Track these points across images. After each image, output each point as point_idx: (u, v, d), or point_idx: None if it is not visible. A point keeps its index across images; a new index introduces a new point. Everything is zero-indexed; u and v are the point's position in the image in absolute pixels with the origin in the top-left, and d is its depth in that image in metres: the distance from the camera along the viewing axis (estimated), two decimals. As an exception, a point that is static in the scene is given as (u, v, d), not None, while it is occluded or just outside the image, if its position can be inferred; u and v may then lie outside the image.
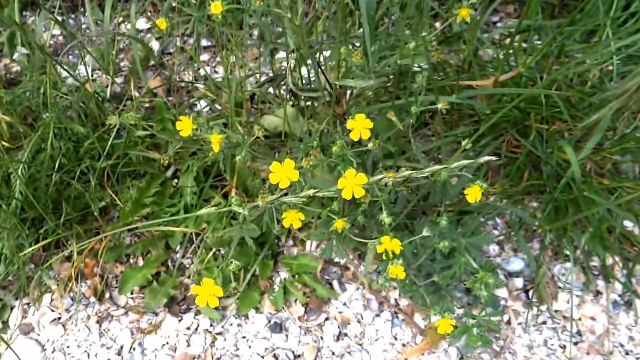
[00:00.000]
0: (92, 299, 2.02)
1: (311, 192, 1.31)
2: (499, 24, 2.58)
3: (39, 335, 1.97)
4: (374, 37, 1.52)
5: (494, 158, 1.31)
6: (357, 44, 1.76)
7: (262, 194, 1.33)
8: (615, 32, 2.08)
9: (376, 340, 1.92)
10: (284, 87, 1.98)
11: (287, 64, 1.74)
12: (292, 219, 1.40)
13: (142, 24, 2.73)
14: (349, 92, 1.82)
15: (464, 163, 1.30)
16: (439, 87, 1.90)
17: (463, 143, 1.46)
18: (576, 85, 2.08)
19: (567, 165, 1.96)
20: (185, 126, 1.40)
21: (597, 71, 2.05)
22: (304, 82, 1.90)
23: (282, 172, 1.28)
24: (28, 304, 2.02)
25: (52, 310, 2.01)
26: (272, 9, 1.40)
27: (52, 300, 2.03)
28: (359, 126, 1.37)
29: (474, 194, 1.40)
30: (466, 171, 1.36)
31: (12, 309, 2.01)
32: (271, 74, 1.93)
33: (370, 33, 1.46)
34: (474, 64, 2.06)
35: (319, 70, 1.68)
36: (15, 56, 2.49)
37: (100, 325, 1.98)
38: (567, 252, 2.00)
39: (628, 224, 2.06)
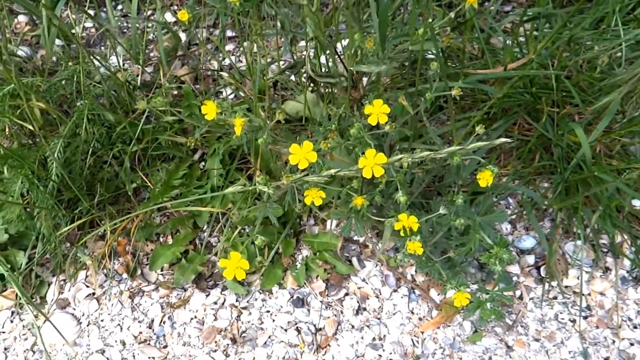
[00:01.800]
0: (125, 276, 2.04)
1: (333, 171, 1.31)
2: (511, 13, 2.54)
3: (74, 309, 1.99)
4: (387, 26, 1.52)
5: (508, 140, 1.29)
6: (373, 32, 1.76)
7: (285, 174, 1.33)
8: (623, 19, 2.04)
9: (394, 314, 1.92)
10: (304, 74, 1.98)
11: (307, 51, 1.74)
12: (314, 196, 1.41)
13: (169, 17, 2.73)
14: (365, 78, 1.81)
15: (479, 145, 1.29)
16: (454, 73, 1.89)
17: (477, 128, 1.45)
18: (586, 71, 2.05)
19: (577, 147, 1.94)
20: (209, 110, 1.41)
21: (606, 57, 2.02)
22: (322, 69, 1.89)
23: (301, 153, 1.29)
24: (64, 280, 2.04)
25: (87, 286, 2.03)
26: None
27: (86, 276, 2.05)
28: (377, 111, 1.37)
29: (485, 178, 1.40)
30: (480, 153, 1.35)
31: (49, 285, 2.03)
32: (292, 62, 1.93)
33: (383, 20, 1.46)
34: (486, 52, 2.05)
35: (337, 57, 1.67)
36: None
37: (132, 300, 1.99)
38: (577, 230, 1.98)
39: (636, 202, 2.04)
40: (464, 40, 1.77)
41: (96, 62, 2.11)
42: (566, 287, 1.95)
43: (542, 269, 1.98)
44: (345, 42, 1.78)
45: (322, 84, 1.92)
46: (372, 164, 1.26)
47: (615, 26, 2.01)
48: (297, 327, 1.91)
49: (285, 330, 1.90)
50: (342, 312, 1.93)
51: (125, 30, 2.69)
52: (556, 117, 2.01)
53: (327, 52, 1.72)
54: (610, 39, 1.99)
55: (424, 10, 1.51)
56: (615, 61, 2.04)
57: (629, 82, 1.83)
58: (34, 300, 2.00)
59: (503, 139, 1.28)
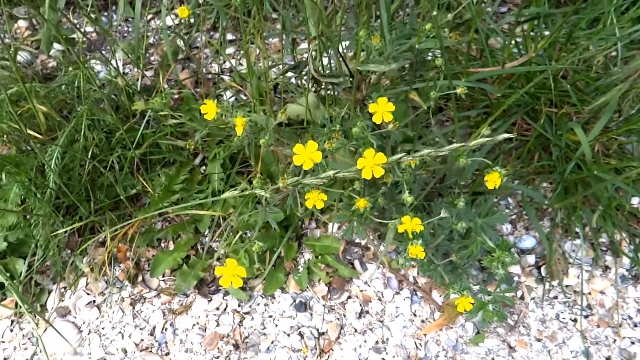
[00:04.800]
0: (126, 282, 1.92)
1: (332, 172, 1.21)
2: (507, 15, 2.46)
3: (75, 317, 1.87)
4: (390, 24, 1.43)
5: (511, 135, 1.21)
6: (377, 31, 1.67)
7: (282, 177, 1.22)
8: (618, 19, 1.97)
9: (396, 317, 1.83)
10: (305, 77, 1.89)
11: (309, 51, 1.64)
12: (315, 199, 1.30)
13: (170, 21, 2.61)
14: (367, 79, 1.72)
15: (482, 141, 1.20)
16: (453, 74, 1.81)
17: (481, 128, 1.35)
18: (582, 70, 1.98)
19: (575, 146, 1.87)
20: (209, 110, 1.30)
21: (601, 57, 1.95)
22: (325, 70, 1.79)
23: (306, 153, 1.18)
24: (65, 288, 1.92)
25: (88, 294, 1.91)
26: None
27: (87, 284, 1.93)
28: (381, 110, 1.26)
29: (493, 180, 1.30)
30: (481, 153, 1.26)
31: (49, 293, 1.91)
32: (293, 64, 1.83)
33: (387, 18, 1.37)
34: (486, 52, 1.96)
35: (339, 56, 1.57)
36: (51, 52, 2.40)
37: (134, 307, 1.88)
38: (577, 230, 1.91)
39: (634, 200, 1.97)
40: (469, 40, 1.68)
41: (97, 67, 2.01)
42: (567, 286, 1.87)
43: (542, 268, 1.91)
44: (347, 43, 1.68)
45: (324, 86, 1.81)
46: (371, 164, 1.16)
47: (610, 25, 1.94)
48: (299, 331, 1.80)
49: (288, 335, 1.80)
50: (344, 316, 1.83)
51: (125, 35, 2.57)
52: (554, 117, 1.93)
53: (330, 51, 1.62)
54: (605, 38, 1.91)
55: (429, 7, 1.40)
56: (611, 61, 1.97)
57: (626, 80, 1.74)
58: (34, 308, 1.88)
59: (505, 135, 1.20)
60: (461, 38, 1.97)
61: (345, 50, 1.71)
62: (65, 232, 1.83)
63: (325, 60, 1.79)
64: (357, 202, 1.33)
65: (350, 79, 1.61)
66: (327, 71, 1.76)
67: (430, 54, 1.70)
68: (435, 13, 1.31)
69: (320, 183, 1.23)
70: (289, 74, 1.84)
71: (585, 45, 1.94)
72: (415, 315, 1.83)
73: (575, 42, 1.97)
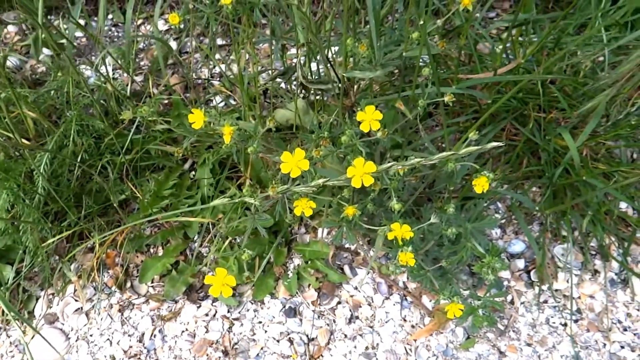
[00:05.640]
0: (114, 289, 1.88)
1: (321, 181, 1.19)
2: (495, 20, 2.44)
3: (63, 324, 1.84)
4: (379, 31, 1.41)
5: (499, 144, 1.19)
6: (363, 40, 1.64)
7: (272, 185, 1.20)
8: (605, 24, 1.95)
9: (386, 322, 1.80)
10: (294, 82, 1.86)
11: (298, 57, 1.61)
12: (304, 207, 1.28)
13: (160, 25, 2.57)
14: (356, 85, 1.70)
15: (472, 149, 1.18)
16: (442, 79, 1.78)
17: (469, 133, 1.33)
18: (570, 75, 1.96)
19: (563, 151, 1.86)
20: (197, 118, 1.27)
21: (589, 62, 1.93)
22: (313, 76, 1.77)
23: (293, 161, 1.16)
24: (53, 294, 1.89)
25: (76, 300, 1.87)
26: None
27: (75, 290, 1.89)
28: (369, 117, 1.24)
29: (481, 184, 1.27)
30: (470, 158, 1.24)
31: (37, 299, 1.88)
32: (282, 69, 1.80)
33: (376, 26, 1.35)
34: (474, 57, 1.94)
35: (328, 63, 1.55)
36: (40, 57, 2.36)
37: (122, 314, 1.84)
38: (566, 234, 1.88)
39: (622, 205, 1.95)
40: (459, 46, 1.65)
41: (86, 72, 1.97)
42: (556, 290, 1.85)
43: (532, 272, 1.88)
44: (335, 49, 1.65)
45: (313, 91, 1.79)
46: (361, 173, 1.14)
47: (598, 31, 1.92)
48: (289, 337, 1.77)
49: (278, 341, 1.76)
50: (334, 321, 1.80)
51: (115, 40, 2.54)
52: (542, 122, 1.91)
53: (319, 58, 1.60)
54: (593, 44, 1.91)
55: (419, 14, 1.38)
56: (598, 65, 1.95)
57: (613, 85, 1.73)
58: (21, 315, 1.84)
59: (494, 143, 1.18)
60: (450, 44, 1.95)
61: (334, 56, 1.69)
62: (54, 240, 1.79)
63: (314, 65, 1.76)
64: (346, 210, 1.31)
65: (339, 85, 1.59)
66: (316, 77, 1.74)
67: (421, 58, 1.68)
68: (422, 22, 1.29)
69: (310, 191, 1.21)
70: (279, 78, 1.82)
71: (572, 50, 1.93)
72: (405, 320, 1.80)
73: (563, 47, 1.96)
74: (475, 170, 1.30)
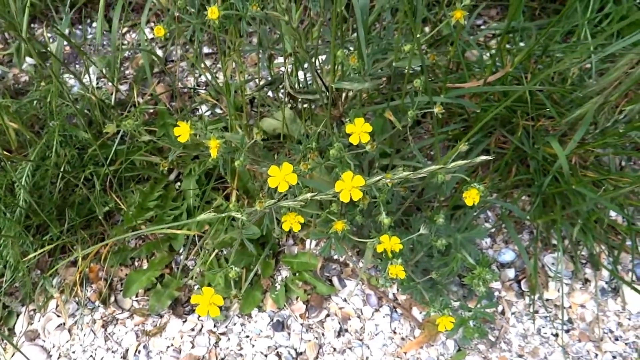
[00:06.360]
0: (97, 303, 1.82)
1: (309, 195, 1.15)
2: (482, 27, 2.42)
3: (44, 341, 1.77)
4: (366, 40, 1.38)
5: (489, 157, 1.16)
6: (352, 49, 1.60)
7: (259, 199, 1.16)
8: (592, 32, 1.96)
9: (376, 335, 1.76)
10: (282, 91, 1.83)
11: (285, 67, 1.57)
12: (292, 222, 1.25)
13: (146, 33, 2.53)
14: (344, 94, 1.66)
15: (461, 163, 1.15)
16: (433, 88, 1.75)
17: (459, 144, 1.31)
18: (557, 83, 1.95)
19: (552, 159, 1.83)
20: (183, 132, 1.23)
21: (576, 69, 1.91)
22: (301, 85, 1.73)
23: (281, 175, 1.13)
24: (34, 310, 1.82)
25: (58, 316, 1.81)
26: (269, 12, 1.22)
27: (57, 306, 1.83)
28: (359, 130, 1.21)
29: (472, 196, 1.24)
30: (460, 170, 1.21)
31: (18, 315, 1.81)
32: (270, 79, 1.76)
33: (365, 36, 1.31)
34: (462, 65, 1.91)
35: (316, 73, 1.51)
36: (23, 66, 2.30)
37: (106, 329, 1.78)
38: (556, 243, 1.86)
39: (612, 213, 1.93)
40: (450, 56, 1.62)
41: (70, 81, 1.92)
42: (547, 300, 1.82)
43: (522, 282, 1.85)
44: (322, 58, 1.61)
45: (300, 101, 1.75)
46: (349, 187, 1.12)
47: (584, 39, 1.92)
48: (277, 351, 1.72)
49: (266, 355, 1.72)
50: (323, 335, 1.75)
51: (100, 48, 2.49)
52: (531, 130, 1.89)
53: (306, 67, 1.56)
54: (579, 51, 1.88)
55: (411, 25, 1.34)
56: (585, 73, 1.93)
57: (602, 93, 1.71)
58: (1, 332, 1.78)
59: (484, 157, 1.16)
60: (438, 51, 1.92)
61: (322, 64, 1.65)
62: (35, 255, 1.73)
63: (301, 74, 1.73)
64: (335, 225, 1.28)
65: (327, 95, 1.55)
66: (304, 86, 1.70)
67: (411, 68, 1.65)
68: (418, 36, 1.26)
69: (297, 206, 1.17)
70: (266, 88, 1.78)
71: (560, 57, 1.91)
72: (395, 332, 1.76)
73: (551, 54, 1.94)
74: (465, 182, 1.27)
